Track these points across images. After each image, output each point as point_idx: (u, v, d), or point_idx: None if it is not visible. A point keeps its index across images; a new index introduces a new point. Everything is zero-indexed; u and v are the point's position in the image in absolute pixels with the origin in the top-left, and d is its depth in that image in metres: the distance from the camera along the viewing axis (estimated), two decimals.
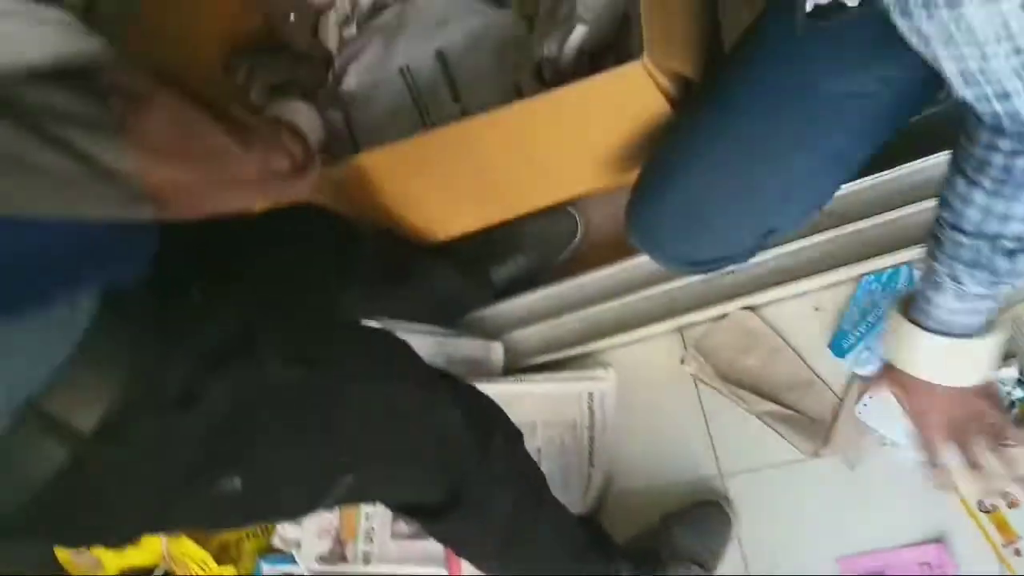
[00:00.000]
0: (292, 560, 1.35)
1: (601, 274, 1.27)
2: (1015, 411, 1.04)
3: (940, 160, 1.06)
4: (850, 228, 1.12)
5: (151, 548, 1.38)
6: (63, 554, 1.44)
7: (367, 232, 1.16)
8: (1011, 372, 1.03)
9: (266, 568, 1.38)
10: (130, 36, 0.70)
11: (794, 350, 1.19)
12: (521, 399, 1.27)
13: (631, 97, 0.98)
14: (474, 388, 0.94)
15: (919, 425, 0.86)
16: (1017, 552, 1.02)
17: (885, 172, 1.09)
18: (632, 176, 1.05)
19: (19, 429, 0.58)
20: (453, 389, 0.89)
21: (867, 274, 1.14)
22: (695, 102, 1.01)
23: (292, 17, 1.18)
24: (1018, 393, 1.04)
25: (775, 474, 1.16)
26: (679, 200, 0.99)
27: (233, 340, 0.68)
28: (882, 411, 1.09)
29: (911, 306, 0.82)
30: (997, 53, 0.58)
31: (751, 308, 1.21)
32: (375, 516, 1.30)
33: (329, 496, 0.77)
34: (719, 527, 1.16)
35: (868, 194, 1.11)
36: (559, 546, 1.02)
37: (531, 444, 1.22)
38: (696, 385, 1.24)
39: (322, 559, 1.31)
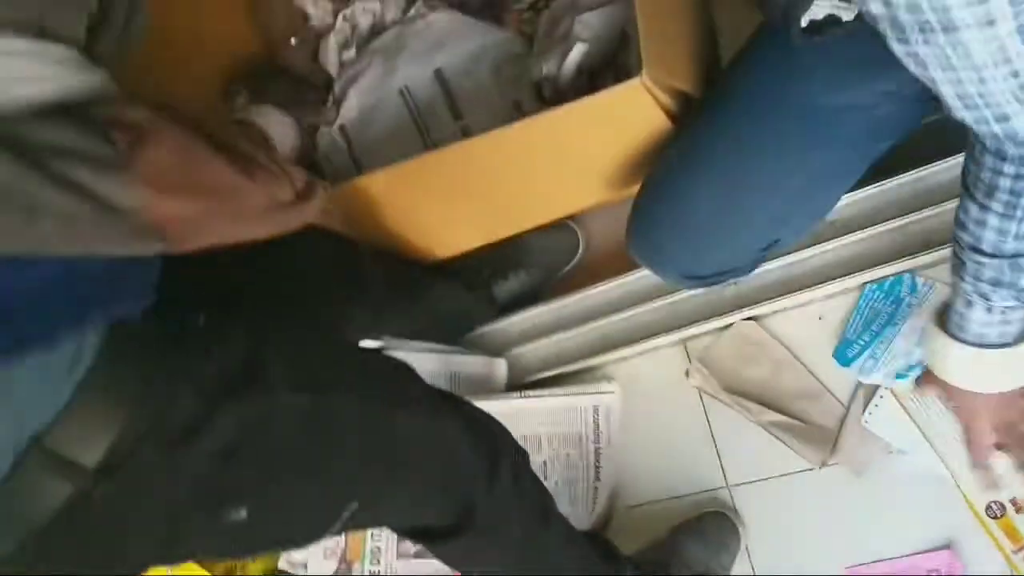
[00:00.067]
0: None
1: (603, 288, 1.27)
2: None
3: (940, 169, 1.06)
4: (852, 237, 1.12)
5: (155, 571, 1.38)
6: None
7: (369, 252, 1.16)
8: None
9: None
10: (131, 68, 0.70)
11: (798, 360, 1.19)
12: (526, 414, 1.27)
13: (631, 114, 0.98)
14: (479, 409, 0.94)
15: (965, 427, 0.91)
16: None
17: (885, 181, 1.09)
18: (634, 190, 1.06)
19: (23, 467, 0.58)
20: (458, 412, 0.89)
21: (870, 283, 1.14)
22: (695, 117, 1.01)
23: (293, 41, 1.19)
24: None
25: (782, 484, 1.16)
26: (680, 215, 1.00)
27: (239, 368, 0.68)
28: (888, 419, 1.10)
29: (946, 319, 0.84)
30: (995, 76, 0.59)
31: (754, 319, 1.21)
32: (381, 536, 1.29)
33: (336, 524, 0.77)
34: (728, 538, 1.16)
35: (869, 203, 1.11)
36: (568, 563, 1.02)
37: (537, 459, 1.23)
38: (701, 397, 1.24)
39: None
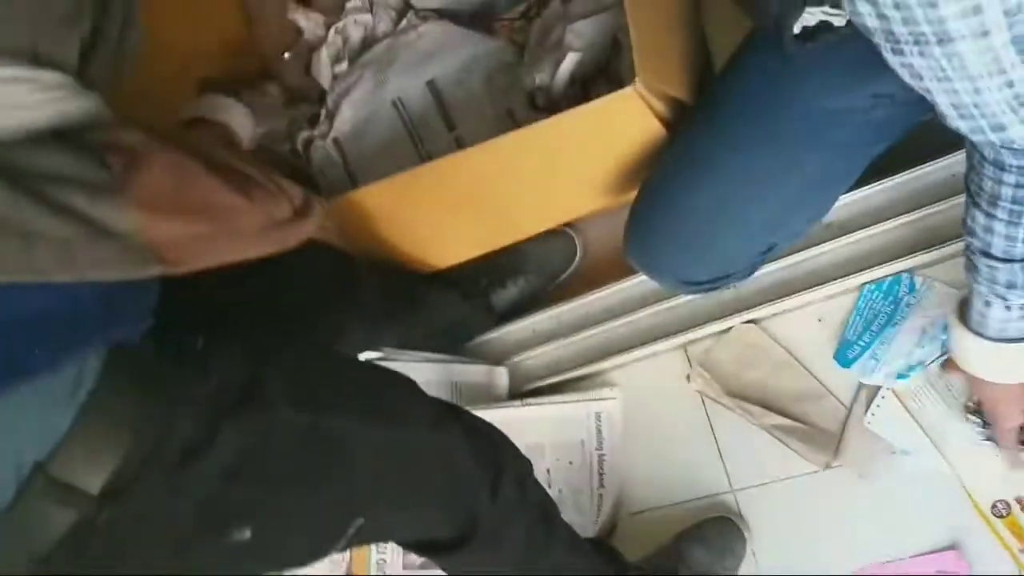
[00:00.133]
0: None
1: (602, 294, 1.27)
2: None
3: (935, 168, 1.06)
4: (849, 238, 1.12)
5: None
6: None
7: (366, 264, 1.16)
8: None
9: None
10: (124, 89, 0.70)
11: (799, 362, 1.19)
12: (528, 422, 1.27)
13: (626, 122, 0.98)
14: (480, 419, 0.94)
15: (991, 413, 0.95)
16: None
17: (882, 181, 1.09)
18: (630, 196, 1.06)
19: (27, 495, 0.57)
20: (460, 423, 0.89)
21: (868, 283, 1.14)
22: (689, 123, 1.01)
23: (286, 56, 1.19)
24: None
25: (786, 487, 1.16)
26: (676, 221, 1.00)
27: (238, 388, 0.68)
28: (890, 419, 1.09)
29: (967, 315, 0.86)
30: (990, 87, 0.59)
31: (754, 322, 1.21)
32: (386, 548, 1.29)
33: (342, 540, 0.77)
34: (733, 543, 1.16)
35: (866, 204, 1.12)
36: (573, 572, 1.02)
37: (540, 466, 1.22)
38: (703, 401, 1.24)
39: None
